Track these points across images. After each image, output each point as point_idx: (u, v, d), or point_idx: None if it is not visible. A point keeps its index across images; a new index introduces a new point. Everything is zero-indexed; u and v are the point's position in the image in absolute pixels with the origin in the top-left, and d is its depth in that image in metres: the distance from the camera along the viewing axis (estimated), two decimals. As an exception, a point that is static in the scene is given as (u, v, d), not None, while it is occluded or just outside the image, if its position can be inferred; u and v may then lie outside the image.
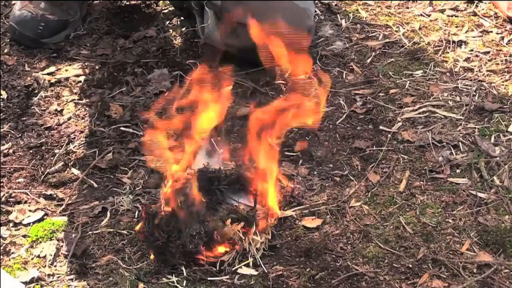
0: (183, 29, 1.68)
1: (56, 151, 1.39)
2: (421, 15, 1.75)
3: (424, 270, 1.07)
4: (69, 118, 1.45)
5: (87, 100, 1.51)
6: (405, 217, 1.21)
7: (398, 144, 1.34)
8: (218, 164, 1.26)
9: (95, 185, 1.32)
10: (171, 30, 1.69)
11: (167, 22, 1.71)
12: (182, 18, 1.69)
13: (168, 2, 1.74)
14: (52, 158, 1.37)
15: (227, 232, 1.11)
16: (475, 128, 1.37)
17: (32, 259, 1.19)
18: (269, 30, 1.29)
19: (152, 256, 1.13)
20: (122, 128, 1.41)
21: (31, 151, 1.39)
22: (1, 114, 1.48)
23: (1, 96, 1.51)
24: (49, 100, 1.51)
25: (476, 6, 1.70)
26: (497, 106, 1.42)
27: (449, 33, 1.62)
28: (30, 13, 1.74)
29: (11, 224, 1.28)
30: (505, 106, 1.43)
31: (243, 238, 1.14)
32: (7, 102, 1.53)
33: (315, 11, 1.72)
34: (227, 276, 1.09)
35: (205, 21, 1.55)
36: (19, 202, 1.31)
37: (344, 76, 1.49)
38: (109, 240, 1.23)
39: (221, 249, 1.13)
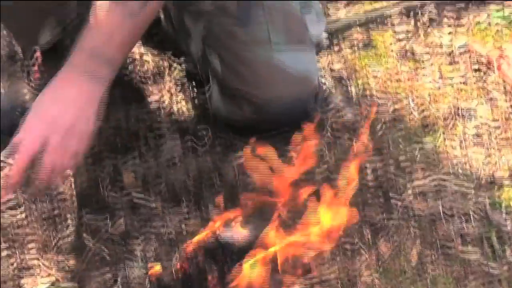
0: (195, 95, 1.70)
1: (69, 218, 1.40)
2: (430, 83, 1.76)
3: None
4: (82, 184, 1.47)
5: (100, 167, 1.50)
6: (417, 290, 1.23)
7: (408, 215, 1.34)
8: (234, 235, 1.23)
9: (106, 253, 1.31)
10: (183, 97, 1.71)
11: (180, 89, 1.73)
12: (194, 85, 1.71)
13: (181, 70, 1.76)
14: (64, 225, 1.39)
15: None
16: (486, 199, 1.38)
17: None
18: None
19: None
20: (134, 196, 1.42)
21: (43, 219, 1.39)
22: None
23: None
24: None
25: (486, 76, 1.74)
26: (507, 177, 1.44)
27: (458, 102, 1.65)
28: None
29: (21, 291, 1.30)
30: (515, 177, 1.45)
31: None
32: (21, 170, 1.53)
33: (321, 73, 1.73)
34: None
35: (211, 91, 1.57)
36: (30, 269, 1.31)
37: (354, 142, 1.49)
38: (119, 311, 1.25)
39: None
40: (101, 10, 1.12)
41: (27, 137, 1.05)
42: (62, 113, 1.08)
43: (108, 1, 1.12)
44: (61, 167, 1.09)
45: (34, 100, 1.21)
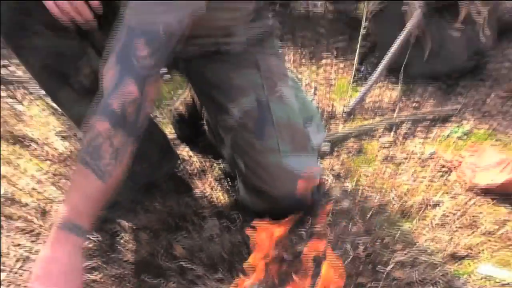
0: (229, 188, 1.85)
1: (132, 279, 1.54)
2: (407, 180, 1.93)
3: None
4: (143, 254, 1.62)
5: (157, 241, 1.65)
6: None
7: (391, 281, 1.49)
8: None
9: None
10: (220, 190, 1.87)
11: (218, 183, 1.89)
12: (228, 180, 1.87)
13: (219, 169, 1.94)
14: (128, 285, 1.53)
15: None
16: (450, 270, 1.55)
17: None
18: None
19: None
20: (183, 263, 1.55)
21: (113, 279, 1.54)
22: (92, 249, 1.63)
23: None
24: (128, 241, 1.68)
25: (448, 176, 1.94)
26: (466, 253, 1.60)
27: (428, 195, 1.83)
28: None
29: None
30: (471, 253, 1.60)
31: None
32: (98, 241, 1.65)
33: (323, 172, 1.90)
34: None
35: (239, 186, 1.68)
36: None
37: (349, 228, 1.67)
38: None
39: None
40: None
41: None
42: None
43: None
44: None
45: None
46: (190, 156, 2.03)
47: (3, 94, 2.51)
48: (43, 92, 1.67)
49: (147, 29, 1.18)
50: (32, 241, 1.70)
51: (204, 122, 1.78)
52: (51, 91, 1.56)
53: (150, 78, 1.20)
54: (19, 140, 2.15)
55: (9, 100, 2.48)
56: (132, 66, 1.16)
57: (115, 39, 1.19)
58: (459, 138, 2.18)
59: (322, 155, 2.02)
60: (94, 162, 1.13)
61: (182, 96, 1.92)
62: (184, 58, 1.55)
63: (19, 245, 1.68)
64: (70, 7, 1.23)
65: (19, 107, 2.42)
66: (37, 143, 2.14)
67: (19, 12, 1.33)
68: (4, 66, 2.70)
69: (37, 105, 2.40)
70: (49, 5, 1.24)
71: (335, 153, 2.10)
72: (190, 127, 1.86)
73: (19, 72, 2.61)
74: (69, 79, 1.46)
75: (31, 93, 2.48)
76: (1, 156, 2.05)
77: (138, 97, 1.16)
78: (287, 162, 1.50)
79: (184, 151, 2.03)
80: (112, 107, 1.14)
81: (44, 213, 1.80)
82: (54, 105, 1.97)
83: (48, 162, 2.06)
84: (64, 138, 2.19)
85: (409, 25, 2.56)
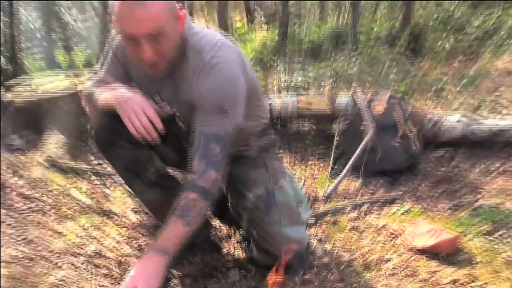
0: (246, 248, 1.81)
1: None
2: (368, 243, 1.88)
3: None
4: None
5: (196, 285, 1.60)
6: None
7: None
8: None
9: None
10: (240, 250, 1.82)
11: (239, 245, 1.84)
12: (246, 243, 1.81)
13: (240, 235, 1.88)
14: None
15: None
16: None
17: None
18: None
19: None
20: None
21: None
22: None
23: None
24: (177, 284, 1.61)
25: (396, 240, 1.89)
26: None
27: (382, 254, 1.79)
28: None
29: None
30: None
31: None
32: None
33: (310, 237, 1.80)
34: None
35: (252, 247, 1.63)
36: None
37: (329, 276, 1.62)
38: None
39: None
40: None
41: None
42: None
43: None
44: None
45: None
46: (220, 226, 2.00)
47: (97, 182, 2.51)
48: (123, 181, 1.62)
49: (216, 135, 1.27)
50: (112, 283, 1.67)
51: (229, 204, 1.73)
52: (129, 183, 1.57)
53: (222, 166, 1.29)
54: (106, 214, 2.15)
55: (101, 186, 2.50)
56: (211, 161, 1.26)
57: (195, 143, 1.28)
58: (402, 214, 2.16)
59: (309, 226, 1.98)
60: (185, 216, 1.22)
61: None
62: None
63: (103, 286, 1.65)
64: (142, 130, 1.24)
65: (107, 191, 2.42)
66: (118, 215, 2.15)
67: (110, 132, 1.37)
68: (99, 164, 2.74)
69: (119, 190, 2.41)
70: (129, 126, 1.25)
71: (318, 225, 2.06)
72: (220, 206, 1.79)
73: (108, 168, 2.62)
74: (140, 175, 1.47)
75: (115, 182, 2.50)
76: (94, 223, 2.01)
77: (216, 179, 1.27)
78: (286, 231, 1.49)
79: (216, 222, 1.98)
80: (201, 185, 1.24)
81: (120, 264, 1.78)
82: (130, 190, 1.95)
83: (125, 229, 2.06)
84: (136, 212, 2.19)
85: (365, 139, 2.59)
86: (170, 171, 1.66)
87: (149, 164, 1.48)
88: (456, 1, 15.83)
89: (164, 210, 1.52)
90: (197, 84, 1.28)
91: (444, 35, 11.84)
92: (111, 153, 1.43)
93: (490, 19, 12.58)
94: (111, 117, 1.31)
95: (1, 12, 6.30)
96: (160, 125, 1.25)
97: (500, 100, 4.68)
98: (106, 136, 1.39)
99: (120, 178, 1.63)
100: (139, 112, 1.22)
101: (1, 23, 7.63)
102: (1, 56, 6.39)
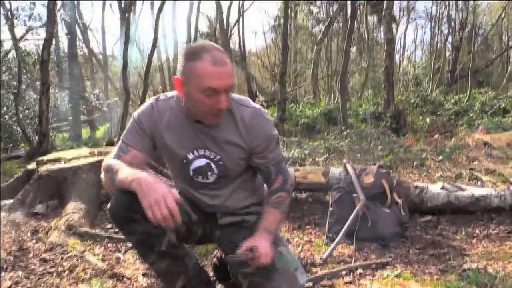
0: None
1: None
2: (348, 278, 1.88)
3: None
4: None
5: None
6: None
7: None
8: None
9: None
10: None
11: None
12: None
13: None
14: None
15: None
16: None
17: None
18: None
19: None
20: None
21: None
22: None
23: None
24: None
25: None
26: None
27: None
28: None
29: None
30: None
31: None
32: None
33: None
34: None
35: None
36: None
37: None
38: None
39: None
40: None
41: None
42: None
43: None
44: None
45: None
46: (224, 288, 1.92)
47: (111, 247, 2.47)
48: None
49: (282, 159, 1.51)
50: None
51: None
52: (142, 254, 1.49)
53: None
54: (118, 277, 2.09)
55: (115, 251, 2.45)
56: (286, 174, 1.50)
57: (268, 168, 1.47)
58: (393, 278, 2.10)
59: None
60: (280, 207, 1.45)
61: (215, 254, 1.84)
62: (222, 224, 1.53)
63: None
64: (161, 220, 1.18)
65: (120, 255, 2.38)
66: (129, 278, 2.09)
67: (126, 209, 1.32)
68: (115, 231, 2.69)
69: (131, 254, 2.36)
70: (148, 214, 1.19)
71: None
72: (221, 272, 1.73)
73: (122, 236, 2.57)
74: (154, 248, 1.41)
75: (127, 246, 2.46)
76: (106, 286, 1.95)
77: (292, 184, 1.54)
78: None
79: (219, 285, 1.89)
80: (286, 188, 1.48)
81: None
82: (142, 260, 1.92)
83: (135, 291, 1.97)
84: (144, 275, 2.12)
85: (357, 207, 2.59)
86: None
87: (163, 238, 1.42)
88: (430, 86, 16.43)
89: (172, 277, 1.51)
90: (251, 133, 1.39)
91: (422, 114, 12.14)
92: (126, 227, 1.37)
93: (462, 99, 12.99)
94: (127, 194, 1.27)
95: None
96: (178, 218, 1.20)
97: (477, 169, 4.70)
98: (122, 212, 1.33)
99: (134, 249, 1.57)
100: (161, 202, 1.17)
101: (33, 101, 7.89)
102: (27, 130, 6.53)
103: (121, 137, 1.45)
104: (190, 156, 1.41)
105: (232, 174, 1.46)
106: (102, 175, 1.39)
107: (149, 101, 1.44)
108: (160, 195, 1.17)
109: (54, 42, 9.67)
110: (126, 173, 1.28)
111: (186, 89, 1.29)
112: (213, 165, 1.42)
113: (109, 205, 1.34)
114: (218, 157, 1.41)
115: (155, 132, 1.41)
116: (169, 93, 1.44)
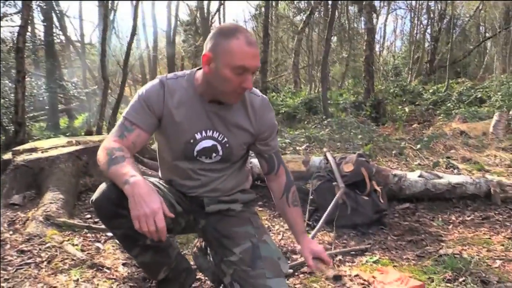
0: None
1: None
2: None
3: None
4: None
5: None
6: None
7: None
8: None
9: None
10: None
11: None
12: None
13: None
14: None
15: None
16: None
17: None
18: None
19: None
20: None
21: None
22: None
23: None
24: None
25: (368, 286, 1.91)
26: None
27: None
28: None
29: None
30: None
31: None
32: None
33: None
34: None
35: None
36: None
37: None
38: None
39: None
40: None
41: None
42: None
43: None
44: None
45: None
46: (203, 277, 1.95)
47: (92, 238, 2.44)
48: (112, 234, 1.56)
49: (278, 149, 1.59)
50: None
51: (211, 259, 1.67)
52: (126, 247, 1.48)
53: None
54: (98, 267, 2.07)
55: (94, 241, 2.42)
56: (284, 164, 1.58)
57: (271, 156, 1.54)
58: (372, 264, 2.14)
59: (287, 277, 1.94)
60: (298, 203, 1.57)
61: (195, 243, 1.87)
62: (208, 213, 1.51)
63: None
64: (147, 233, 1.17)
65: (99, 245, 2.35)
66: (109, 268, 2.06)
67: (113, 204, 1.27)
68: (94, 221, 2.67)
69: (111, 244, 2.33)
70: (135, 225, 1.17)
71: (295, 275, 2.02)
72: (202, 260, 1.77)
73: (103, 225, 2.54)
74: (138, 242, 1.39)
75: (107, 236, 2.43)
76: (86, 276, 1.93)
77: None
78: (270, 283, 1.40)
79: (199, 274, 1.93)
80: (291, 180, 1.57)
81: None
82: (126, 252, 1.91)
83: (115, 282, 1.96)
84: (125, 265, 2.10)
85: (337, 195, 2.62)
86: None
87: None
88: (409, 76, 16.64)
89: (156, 268, 1.50)
90: (260, 118, 1.45)
91: (401, 103, 12.31)
92: (111, 222, 1.33)
93: (440, 89, 13.20)
94: (115, 188, 1.24)
95: None
96: (164, 238, 1.19)
97: (454, 158, 4.80)
98: (108, 206, 1.29)
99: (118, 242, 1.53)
100: (150, 218, 1.15)
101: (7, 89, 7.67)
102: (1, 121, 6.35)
103: (123, 115, 1.39)
104: (198, 136, 1.41)
105: (234, 158, 1.48)
106: (101, 154, 1.32)
107: (156, 79, 1.41)
108: (150, 210, 1.15)
109: (29, 29, 9.40)
110: (123, 169, 1.23)
111: (214, 65, 1.29)
112: (219, 147, 1.43)
113: (93, 197, 1.30)
114: (226, 139, 1.42)
115: (164, 110, 1.38)
116: (178, 73, 1.44)
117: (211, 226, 1.54)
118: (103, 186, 1.30)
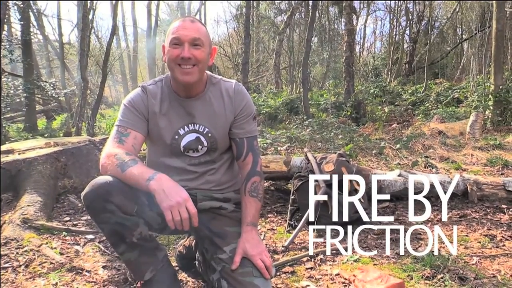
0: None
1: None
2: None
3: None
4: None
5: None
6: None
7: None
8: None
9: None
10: None
11: None
12: None
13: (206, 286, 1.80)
14: None
15: None
16: None
17: None
18: None
19: None
20: None
21: None
22: None
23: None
24: None
25: (348, 286, 1.95)
26: None
27: None
28: None
29: None
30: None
31: None
32: None
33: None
34: None
35: None
36: None
37: None
38: None
39: None
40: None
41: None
42: None
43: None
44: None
45: None
46: (185, 277, 1.94)
47: (71, 241, 2.40)
48: (93, 237, 1.54)
49: (255, 135, 1.59)
50: None
51: (196, 258, 1.70)
52: (113, 244, 1.48)
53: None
54: (76, 270, 2.03)
55: (74, 245, 2.37)
56: (257, 153, 1.58)
57: (241, 144, 1.55)
58: (352, 263, 2.16)
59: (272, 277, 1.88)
60: (257, 194, 1.51)
61: (182, 242, 1.86)
62: (200, 210, 1.47)
63: None
64: (179, 223, 1.24)
65: (78, 248, 2.31)
66: (88, 271, 2.04)
67: (104, 199, 1.29)
68: (74, 225, 2.61)
69: (90, 247, 2.30)
70: (168, 217, 1.23)
71: (277, 275, 2.01)
72: (186, 260, 1.79)
73: (83, 228, 2.52)
74: (125, 239, 1.39)
75: (86, 238, 2.40)
76: (64, 280, 1.89)
77: (261, 164, 1.59)
78: (256, 281, 1.41)
79: (181, 275, 1.92)
80: (258, 170, 1.54)
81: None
82: (101, 246, 2.00)
83: (95, 285, 1.93)
84: (105, 268, 2.08)
85: (318, 195, 2.63)
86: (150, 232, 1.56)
87: (134, 229, 1.39)
88: (388, 77, 16.85)
89: (141, 268, 1.50)
90: (235, 100, 1.51)
91: (381, 104, 12.47)
92: (100, 216, 1.33)
93: (419, 89, 13.43)
94: (105, 183, 1.28)
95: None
96: (196, 223, 1.26)
97: (432, 157, 4.89)
98: (97, 201, 1.29)
99: (106, 239, 1.52)
100: (182, 207, 1.23)
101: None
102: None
103: (115, 124, 1.47)
104: (182, 132, 1.48)
105: (220, 146, 1.54)
106: (107, 160, 1.34)
107: (136, 89, 1.52)
108: (182, 198, 1.23)
109: (6, 28, 9.17)
110: (140, 169, 1.29)
111: (165, 51, 1.43)
112: (202, 138, 1.51)
113: (83, 192, 1.31)
114: (207, 129, 1.50)
115: (150, 113, 1.48)
116: (155, 78, 1.54)
117: (202, 223, 1.51)
118: (93, 182, 1.32)
